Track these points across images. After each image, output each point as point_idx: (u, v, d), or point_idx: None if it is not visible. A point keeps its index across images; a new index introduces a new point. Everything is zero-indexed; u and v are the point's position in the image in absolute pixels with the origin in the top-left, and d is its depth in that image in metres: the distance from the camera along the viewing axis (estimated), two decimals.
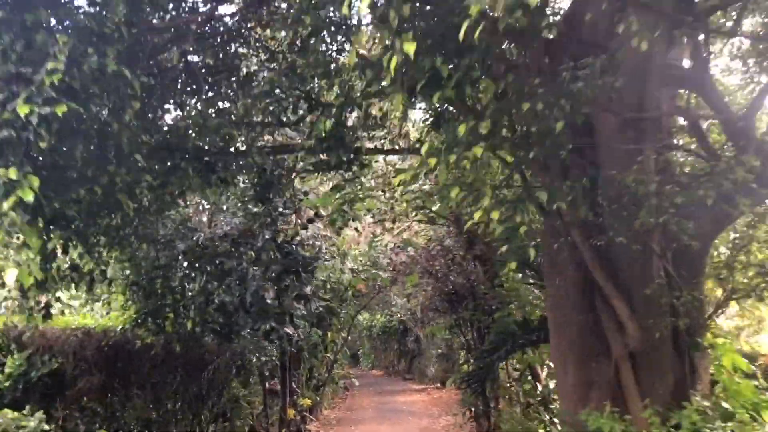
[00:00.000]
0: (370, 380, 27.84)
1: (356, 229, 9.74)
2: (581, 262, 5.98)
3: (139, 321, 8.12)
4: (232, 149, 5.86)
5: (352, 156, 6.29)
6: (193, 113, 5.95)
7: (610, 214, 5.55)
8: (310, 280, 7.88)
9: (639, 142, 5.50)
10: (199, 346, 9.07)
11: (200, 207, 9.46)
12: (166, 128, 5.96)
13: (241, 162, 5.78)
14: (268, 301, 8.02)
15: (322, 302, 11.58)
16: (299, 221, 9.13)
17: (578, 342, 6.19)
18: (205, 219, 9.49)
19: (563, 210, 5.55)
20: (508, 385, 11.01)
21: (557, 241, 6.24)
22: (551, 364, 11.00)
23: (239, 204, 8.65)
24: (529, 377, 11.94)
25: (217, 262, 8.65)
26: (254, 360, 13.70)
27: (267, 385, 15.97)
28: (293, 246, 7.82)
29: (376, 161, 8.51)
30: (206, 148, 5.76)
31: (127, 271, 7.90)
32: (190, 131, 5.35)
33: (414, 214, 9.40)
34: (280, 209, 8.26)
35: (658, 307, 5.67)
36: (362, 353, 35.03)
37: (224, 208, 9.08)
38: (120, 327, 8.44)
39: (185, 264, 8.36)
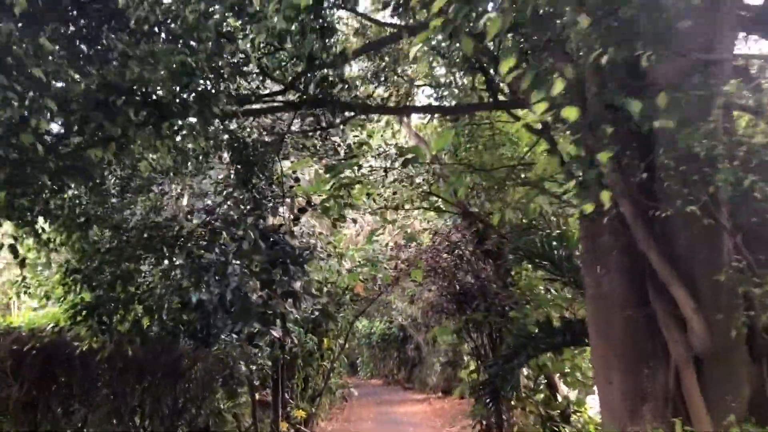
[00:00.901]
0: (369, 390, 26.82)
1: (354, 220, 8.57)
2: (630, 244, 4.84)
3: (78, 318, 6.82)
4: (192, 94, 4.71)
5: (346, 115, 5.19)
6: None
7: (669, 178, 4.39)
8: (301, 274, 6.71)
9: (706, 90, 4.36)
10: (171, 352, 7.86)
11: (176, 190, 8.28)
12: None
13: (204, 111, 4.61)
14: (252, 299, 6.86)
15: (316, 301, 10.43)
16: (290, 212, 7.99)
17: (626, 343, 5.02)
18: (184, 203, 8.32)
19: (607, 175, 4.39)
20: (523, 395, 9.85)
21: (598, 221, 5.11)
22: (571, 371, 9.85)
23: (218, 187, 7.49)
24: (544, 386, 10.80)
25: (194, 254, 7.50)
26: (242, 368, 12.57)
27: (257, 396, 14.86)
28: (281, 235, 6.67)
29: (376, 130, 7.38)
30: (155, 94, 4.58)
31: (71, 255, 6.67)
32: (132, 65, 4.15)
33: (419, 201, 8.26)
34: (266, 193, 7.14)
35: (730, 299, 4.52)
36: (361, 362, 34.08)
37: (205, 192, 7.93)
38: (51, 325, 7.13)
39: (150, 254, 7.16)
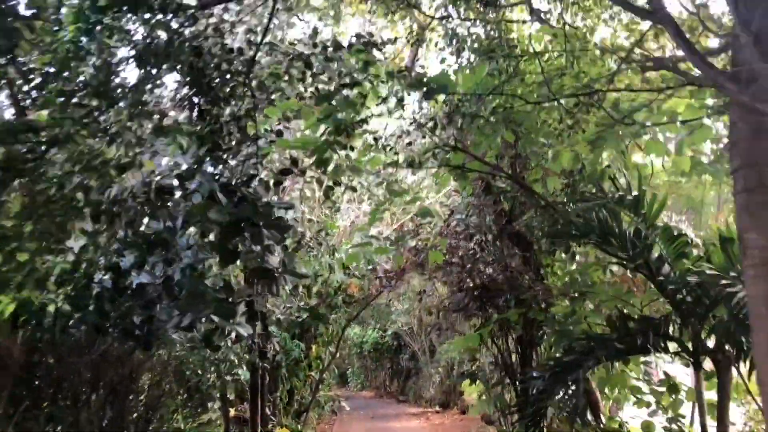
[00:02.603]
0: (361, 403, 24.94)
1: (353, 188, 6.47)
2: None
3: None
4: None
5: None
6: None
7: None
8: (280, 244, 4.59)
9: None
10: (105, 354, 5.71)
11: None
12: None
13: None
14: (209, 282, 4.75)
15: (302, 300, 8.41)
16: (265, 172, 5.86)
17: None
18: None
19: None
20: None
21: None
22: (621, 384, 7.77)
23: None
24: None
25: (135, 223, 5.41)
26: (211, 378, 10.46)
27: (232, 411, 12.77)
28: (251, 189, 4.54)
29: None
30: None
31: None
32: None
33: (441, 156, 6.15)
34: (230, 127, 5.05)
35: None
36: (351, 372, 32.35)
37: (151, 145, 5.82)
38: None
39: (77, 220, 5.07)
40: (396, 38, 7.69)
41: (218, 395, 11.19)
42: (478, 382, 9.75)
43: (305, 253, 11.59)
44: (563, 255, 8.68)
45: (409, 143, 6.27)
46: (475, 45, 6.57)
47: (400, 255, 6.65)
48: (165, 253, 5.22)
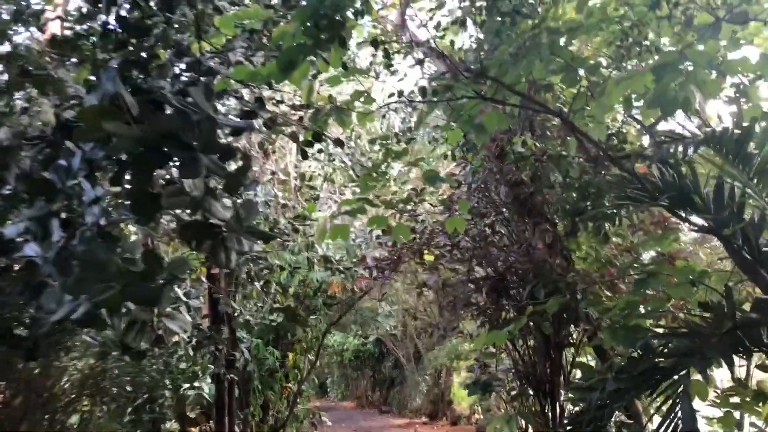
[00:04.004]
0: (342, 415, 23.43)
1: (339, 142, 4.72)
2: None
3: None
4: None
5: None
6: None
7: None
8: (219, 176, 2.82)
9: None
10: None
11: None
12: None
13: None
14: (118, 244, 3.00)
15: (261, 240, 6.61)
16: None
17: None
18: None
19: None
20: None
21: None
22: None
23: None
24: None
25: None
26: (165, 394, 8.61)
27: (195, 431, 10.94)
28: (179, 87, 2.80)
29: None
30: None
31: None
32: None
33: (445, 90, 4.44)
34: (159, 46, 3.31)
35: None
36: (331, 382, 31.09)
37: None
38: None
39: None
40: None
41: (176, 414, 9.38)
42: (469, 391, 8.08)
43: (279, 243, 9.83)
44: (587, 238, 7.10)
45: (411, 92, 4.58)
46: None
47: (404, 226, 4.95)
48: (59, 210, 3.44)
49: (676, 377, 3.66)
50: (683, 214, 4.80)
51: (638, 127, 6.20)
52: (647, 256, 8.28)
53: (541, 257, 6.55)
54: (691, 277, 4.88)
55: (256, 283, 9.01)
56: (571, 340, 7.21)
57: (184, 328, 3.18)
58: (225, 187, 3.06)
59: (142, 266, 3.02)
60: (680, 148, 4.22)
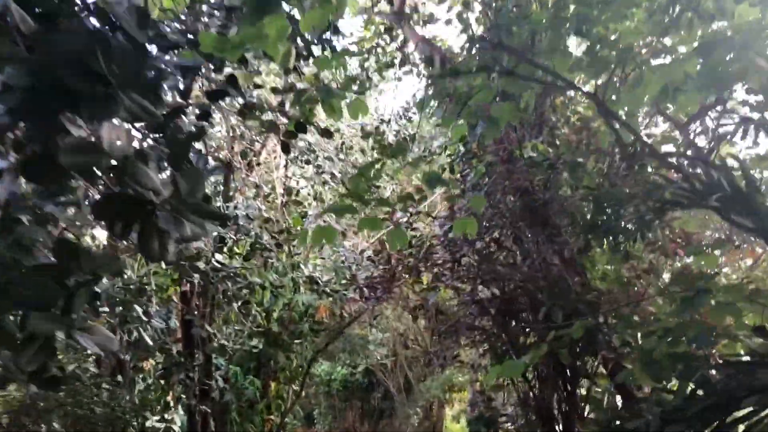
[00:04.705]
0: None
1: (327, 132, 3.89)
2: None
3: None
4: None
5: None
6: None
7: None
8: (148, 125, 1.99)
9: None
10: None
11: None
12: None
13: None
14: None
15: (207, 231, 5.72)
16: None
17: None
18: None
19: None
20: None
21: None
22: None
23: None
24: None
25: None
26: (129, 430, 7.60)
27: None
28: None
29: None
30: None
31: None
32: None
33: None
34: None
35: None
36: (318, 413, 29.83)
37: None
38: None
39: None
40: None
41: None
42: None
43: (261, 259, 8.93)
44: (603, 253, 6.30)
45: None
46: None
47: (401, 230, 4.10)
48: None
49: (754, 419, 2.82)
50: (739, 219, 4.00)
51: (667, 125, 5.44)
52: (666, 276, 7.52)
53: (558, 274, 5.72)
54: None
55: (234, 304, 8.09)
56: (587, 370, 6.36)
57: (104, 346, 2.32)
58: (168, 156, 2.23)
59: (43, 259, 2.16)
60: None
